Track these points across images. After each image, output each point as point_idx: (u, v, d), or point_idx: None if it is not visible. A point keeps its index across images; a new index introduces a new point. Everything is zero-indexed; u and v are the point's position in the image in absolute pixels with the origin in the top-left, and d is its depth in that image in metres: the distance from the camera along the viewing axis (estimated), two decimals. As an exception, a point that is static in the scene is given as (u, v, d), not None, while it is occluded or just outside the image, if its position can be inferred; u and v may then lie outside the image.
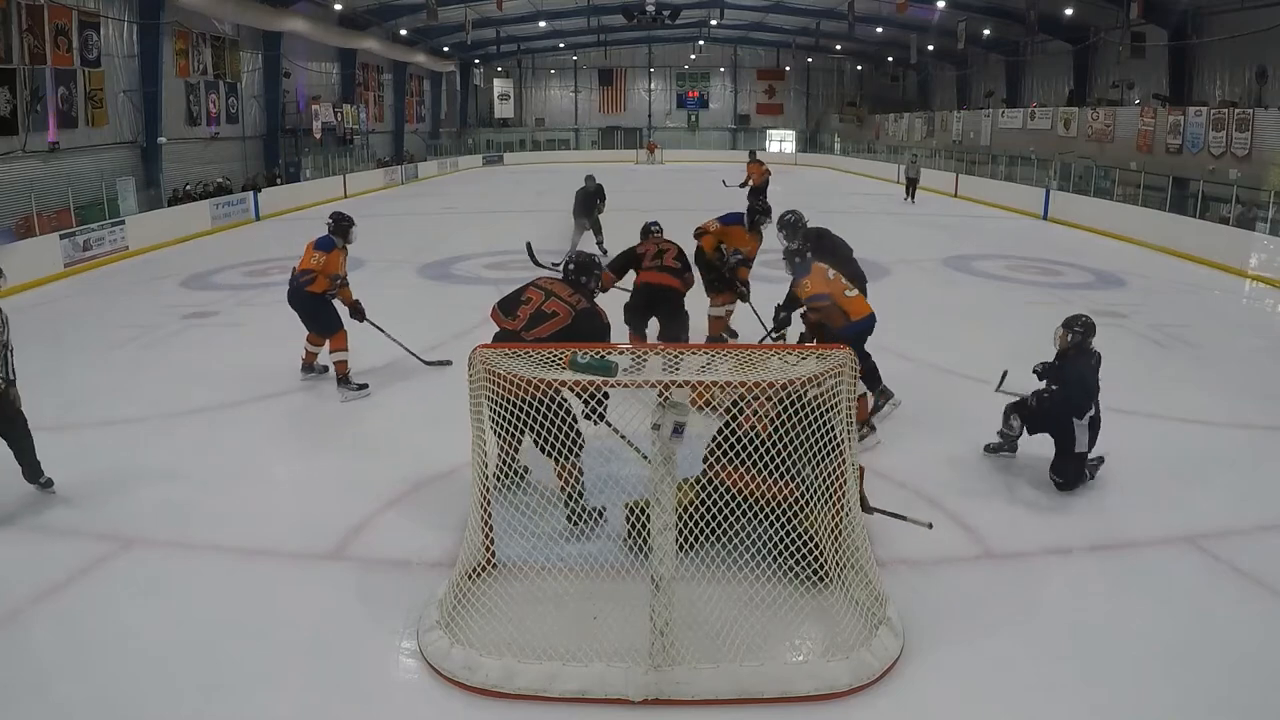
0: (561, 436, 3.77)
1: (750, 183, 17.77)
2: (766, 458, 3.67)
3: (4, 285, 4.36)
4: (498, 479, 4.25)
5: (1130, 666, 3.44)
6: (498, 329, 4.61)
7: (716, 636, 3.38)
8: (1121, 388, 6.83)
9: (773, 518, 3.74)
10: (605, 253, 12.17)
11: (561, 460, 4.08)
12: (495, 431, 3.77)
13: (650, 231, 7.28)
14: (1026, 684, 3.35)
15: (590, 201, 12.91)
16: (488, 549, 3.94)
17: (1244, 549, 4.35)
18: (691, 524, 3.66)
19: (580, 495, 4.36)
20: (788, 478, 3.72)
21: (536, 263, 8.13)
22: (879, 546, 4.14)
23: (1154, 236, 14.78)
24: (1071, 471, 5.02)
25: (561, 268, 4.88)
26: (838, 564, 3.84)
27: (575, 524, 4.33)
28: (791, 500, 3.74)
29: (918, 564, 4.21)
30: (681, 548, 3.59)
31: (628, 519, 4.17)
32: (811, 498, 3.71)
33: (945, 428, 6.05)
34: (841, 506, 3.74)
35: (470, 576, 3.82)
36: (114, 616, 3.78)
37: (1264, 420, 6.22)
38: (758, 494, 3.82)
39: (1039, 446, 5.77)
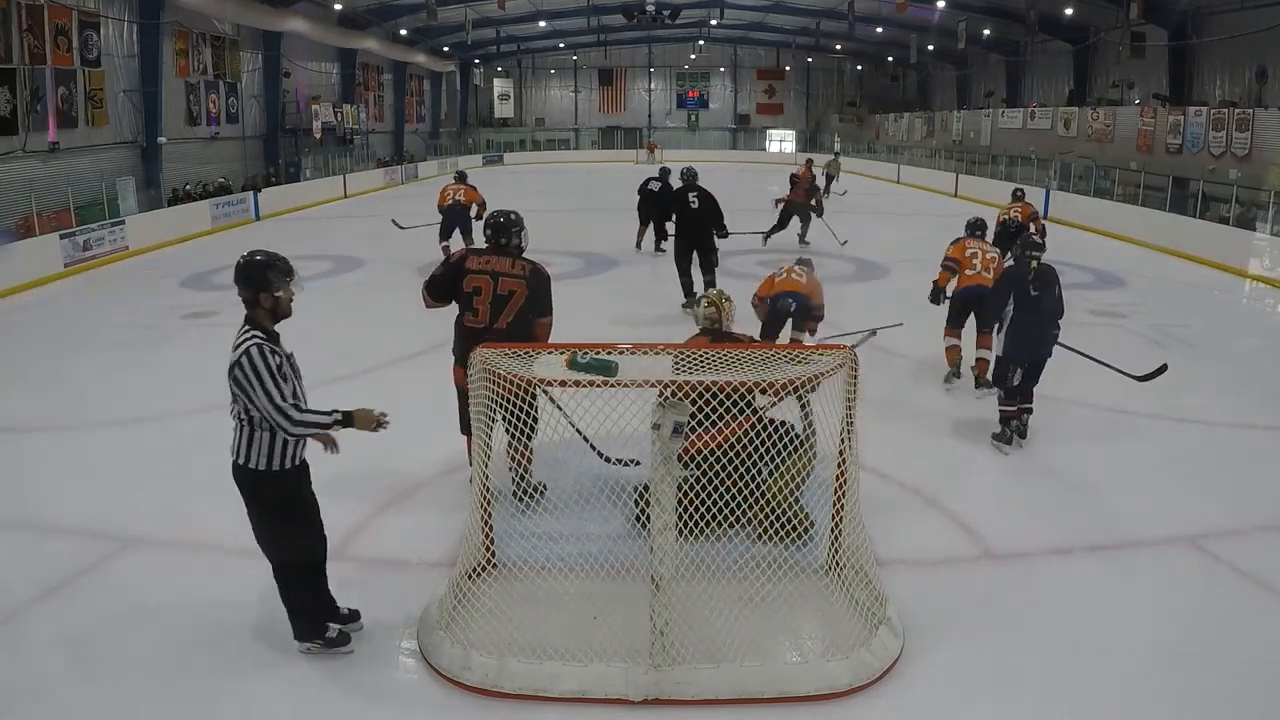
0: (522, 415, 3.82)
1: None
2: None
3: (299, 289, 3.26)
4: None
5: (1130, 666, 3.44)
6: (460, 330, 4.65)
7: (716, 636, 3.38)
8: (1122, 388, 6.83)
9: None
10: (650, 249, 12.78)
11: (518, 438, 4.12)
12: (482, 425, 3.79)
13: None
14: (1026, 684, 3.35)
15: (648, 202, 12.42)
16: (488, 549, 3.94)
17: (1244, 549, 4.35)
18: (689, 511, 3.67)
19: (528, 473, 4.58)
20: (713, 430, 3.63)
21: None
22: (879, 546, 4.14)
23: (1154, 236, 14.78)
24: (995, 371, 5.69)
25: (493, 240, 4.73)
26: (836, 562, 3.84)
27: (520, 499, 4.52)
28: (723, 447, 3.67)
29: (918, 564, 4.21)
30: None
31: (637, 502, 4.16)
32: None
33: (946, 428, 6.05)
34: (841, 506, 3.74)
35: (470, 576, 3.82)
36: (114, 616, 3.78)
37: (1264, 420, 6.22)
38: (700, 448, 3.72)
39: (1037, 445, 5.78)
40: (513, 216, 4.73)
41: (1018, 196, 10.85)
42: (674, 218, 9.50)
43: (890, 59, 38.59)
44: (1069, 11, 23.39)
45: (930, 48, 32.62)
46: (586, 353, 3.42)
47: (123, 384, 7.19)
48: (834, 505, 3.77)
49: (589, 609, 3.59)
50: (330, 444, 3.44)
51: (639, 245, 13.21)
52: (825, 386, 3.60)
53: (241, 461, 3.25)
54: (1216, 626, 3.75)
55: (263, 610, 3.83)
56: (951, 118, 31.81)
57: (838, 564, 3.84)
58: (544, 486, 4.65)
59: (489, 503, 3.87)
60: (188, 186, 18.43)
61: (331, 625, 3.45)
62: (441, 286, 4.67)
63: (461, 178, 12.33)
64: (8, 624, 3.73)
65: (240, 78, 22.04)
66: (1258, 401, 6.64)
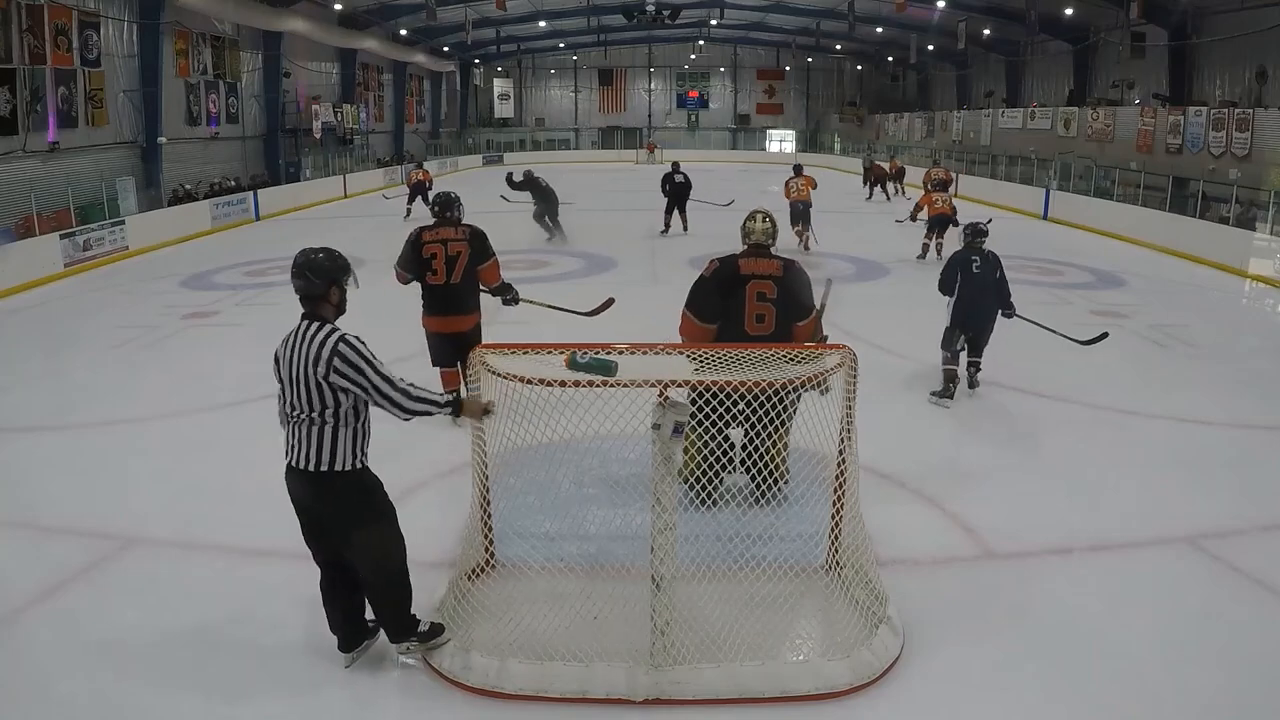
0: None
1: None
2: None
3: (354, 287, 3.31)
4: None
5: (1130, 666, 3.44)
6: (425, 289, 5.77)
7: (717, 636, 3.38)
8: (1121, 388, 6.85)
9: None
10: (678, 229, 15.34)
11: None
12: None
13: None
14: (1026, 684, 3.35)
15: (677, 192, 15.36)
16: (487, 549, 3.94)
17: (1244, 549, 4.35)
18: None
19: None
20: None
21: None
22: (879, 546, 4.14)
23: (1154, 236, 14.78)
24: (943, 337, 6.49)
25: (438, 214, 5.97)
26: (836, 562, 3.84)
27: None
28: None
29: (918, 564, 4.21)
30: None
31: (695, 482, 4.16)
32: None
33: (946, 428, 6.05)
34: (841, 505, 3.74)
35: (470, 577, 3.82)
36: (114, 616, 3.78)
37: (1264, 420, 6.21)
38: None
39: (1037, 445, 5.78)
40: (453, 195, 6.02)
41: (936, 161, 16.65)
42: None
43: (890, 59, 38.58)
44: (1069, 11, 23.37)
45: (930, 48, 32.61)
46: (586, 352, 3.42)
47: (123, 384, 7.19)
48: (834, 505, 3.77)
49: (589, 609, 3.59)
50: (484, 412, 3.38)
51: (667, 228, 15.46)
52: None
53: (326, 467, 3.06)
54: (1216, 626, 3.74)
55: (263, 610, 3.83)
56: (951, 118, 31.79)
57: (838, 564, 3.84)
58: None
59: (489, 503, 3.87)
60: (187, 187, 18.44)
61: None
62: (409, 260, 5.78)
63: (419, 165, 20.67)
64: (8, 624, 3.73)
65: (240, 78, 22.03)
66: (1258, 401, 6.63)
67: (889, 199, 21.73)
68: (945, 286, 6.56)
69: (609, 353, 3.46)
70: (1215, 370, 7.63)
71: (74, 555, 4.27)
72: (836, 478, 3.70)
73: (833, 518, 3.81)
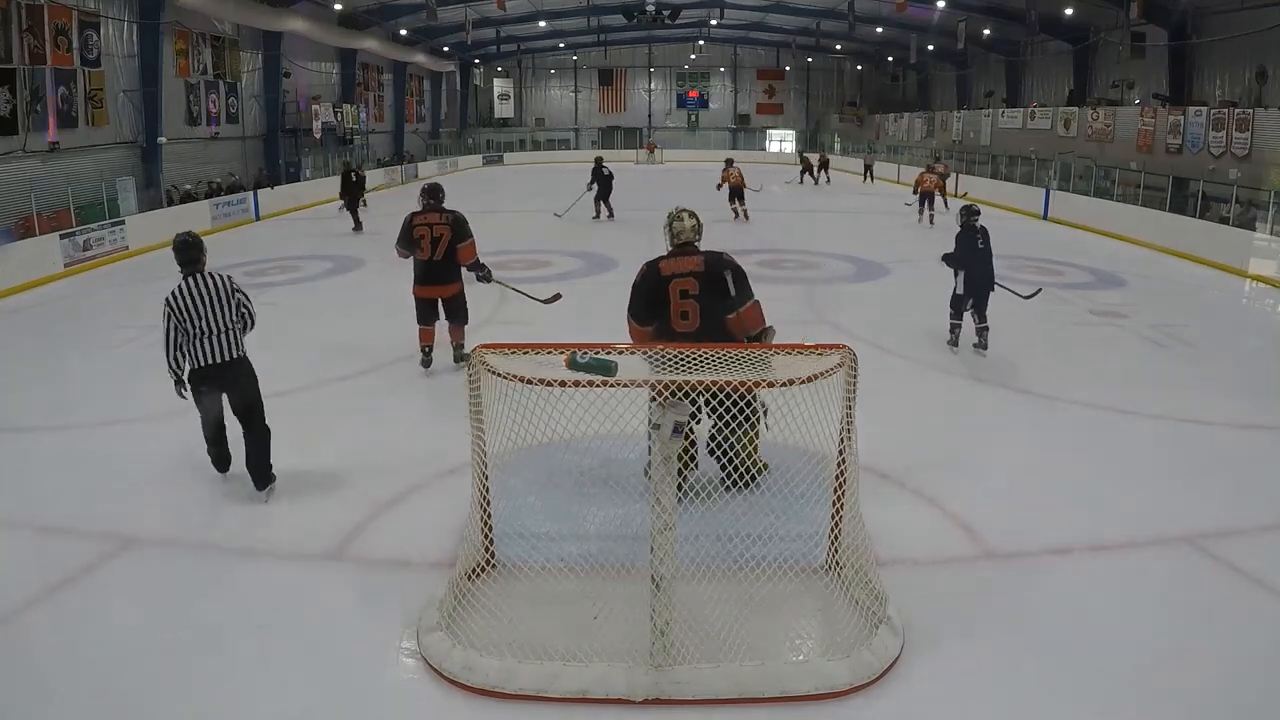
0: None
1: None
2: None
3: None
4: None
5: (1130, 666, 3.44)
6: (415, 262, 6.83)
7: (717, 636, 3.38)
8: (1121, 388, 6.85)
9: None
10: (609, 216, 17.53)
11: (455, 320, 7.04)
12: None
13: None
14: (1026, 684, 3.35)
15: (607, 182, 17.74)
16: (487, 549, 3.94)
17: (1244, 549, 4.34)
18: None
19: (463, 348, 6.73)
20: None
21: None
22: (879, 546, 4.14)
23: (1154, 236, 14.78)
24: (950, 305, 7.81)
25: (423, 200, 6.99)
26: (835, 562, 3.84)
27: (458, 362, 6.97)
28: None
29: (917, 564, 4.20)
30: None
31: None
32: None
33: (945, 428, 6.05)
34: (841, 506, 3.74)
35: (470, 576, 3.82)
36: (114, 616, 3.78)
37: (1264, 420, 6.21)
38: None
39: (1037, 445, 5.78)
40: (439, 185, 7.16)
41: (937, 158, 19.57)
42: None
43: (890, 59, 38.58)
44: (1069, 11, 23.38)
45: (930, 48, 32.62)
46: (586, 352, 3.42)
47: (122, 383, 7.19)
48: (834, 505, 3.77)
49: (589, 609, 3.59)
50: None
51: (599, 215, 17.44)
52: (824, 386, 3.60)
53: (240, 354, 4.83)
54: (1216, 626, 3.74)
55: (263, 609, 3.83)
56: (951, 118, 31.80)
57: (837, 564, 3.84)
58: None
59: (489, 503, 3.87)
60: (187, 187, 18.42)
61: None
62: (404, 239, 6.86)
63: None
64: (8, 624, 3.73)
65: (240, 78, 22.03)
66: (1258, 401, 6.63)
67: (816, 184, 27.30)
68: (958, 263, 7.63)
69: (609, 353, 3.46)
70: (1215, 370, 7.63)
71: (74, 555, 4.27)
72: (836, 478, 3.70)
73: (833, 518, 3.81)
